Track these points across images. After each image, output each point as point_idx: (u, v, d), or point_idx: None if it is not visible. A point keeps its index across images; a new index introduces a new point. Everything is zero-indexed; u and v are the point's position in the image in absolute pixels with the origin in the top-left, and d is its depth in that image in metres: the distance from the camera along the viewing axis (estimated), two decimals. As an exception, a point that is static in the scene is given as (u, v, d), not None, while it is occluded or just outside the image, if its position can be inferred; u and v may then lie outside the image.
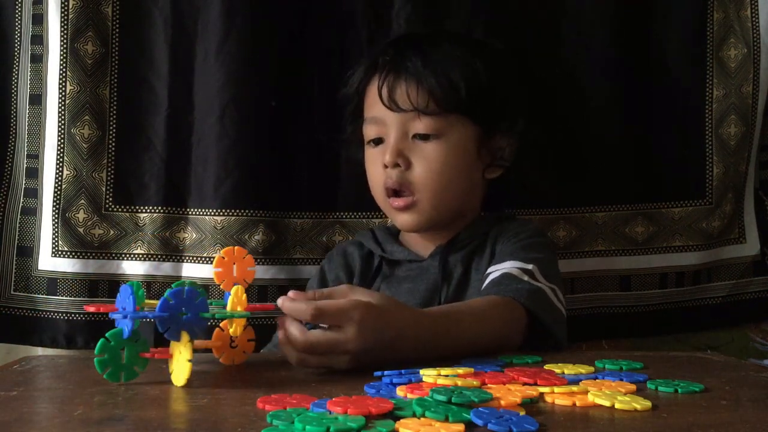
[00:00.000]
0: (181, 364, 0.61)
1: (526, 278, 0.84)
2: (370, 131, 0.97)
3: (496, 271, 0.87)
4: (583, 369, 0.67)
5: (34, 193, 1.10)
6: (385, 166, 0.93)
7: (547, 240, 1.04)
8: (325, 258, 1.06)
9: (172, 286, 0.64)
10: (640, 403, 0.53)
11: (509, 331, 0.79)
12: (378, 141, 0.96)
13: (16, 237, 1.10)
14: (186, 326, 0.61)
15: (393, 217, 0.98)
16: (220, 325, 0.68)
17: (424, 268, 0.96)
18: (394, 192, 0.94)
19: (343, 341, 0.64)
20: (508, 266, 0.86)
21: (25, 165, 1.11)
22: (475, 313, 0.77)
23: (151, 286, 1.09)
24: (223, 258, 0.70)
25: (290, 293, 0.66)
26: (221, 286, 0.70)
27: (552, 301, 0.85)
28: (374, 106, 0.96)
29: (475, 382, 0.58)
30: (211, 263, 0.77)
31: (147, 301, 0.69)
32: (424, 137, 0.93)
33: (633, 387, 0.59)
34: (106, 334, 0.60)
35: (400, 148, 0.92)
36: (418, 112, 0.92)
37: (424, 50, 0.94)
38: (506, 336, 0.79)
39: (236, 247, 0.70)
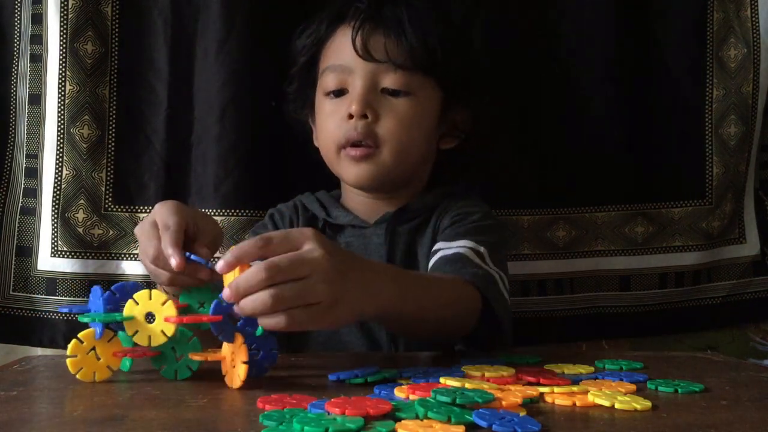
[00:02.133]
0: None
1: (477, 260, 0.82)
2: (330, 81, 0.91)
3: (448, 248, 0.84)
4: (583, 369, 0.67)
5: (33, 193, 1.10)
6: (350, 117, 0.88)
7: (498, 222, 1.00)
8: (266, 218, 1.00)
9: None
10: (640, 403, 0.53)
11: (465, 310, 0.76)
12: (339, 93, 0.91)
13: (16, 237, 1.10)
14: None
15: (346, 170, 0.92)
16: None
17: (368, 235, 0.93)
18: (353, 143, 0.89)
19: (308, 252, 0.57)
20: (460, 244, 0.84)
21: (24, 165, 1.10)
22: (439, 283, 0.75)
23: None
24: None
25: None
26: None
27: (501, 289, 0.82)
28: (339, 54, 0.91)
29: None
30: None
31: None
32: (394, 92, 0.89)
33: (633, 387, 0.59)
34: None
35: (369, 99, 0.88)
36: (393, 66, 0.88)
37: (406, 4, 0.90)
38: (462, 314, 0.76)
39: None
